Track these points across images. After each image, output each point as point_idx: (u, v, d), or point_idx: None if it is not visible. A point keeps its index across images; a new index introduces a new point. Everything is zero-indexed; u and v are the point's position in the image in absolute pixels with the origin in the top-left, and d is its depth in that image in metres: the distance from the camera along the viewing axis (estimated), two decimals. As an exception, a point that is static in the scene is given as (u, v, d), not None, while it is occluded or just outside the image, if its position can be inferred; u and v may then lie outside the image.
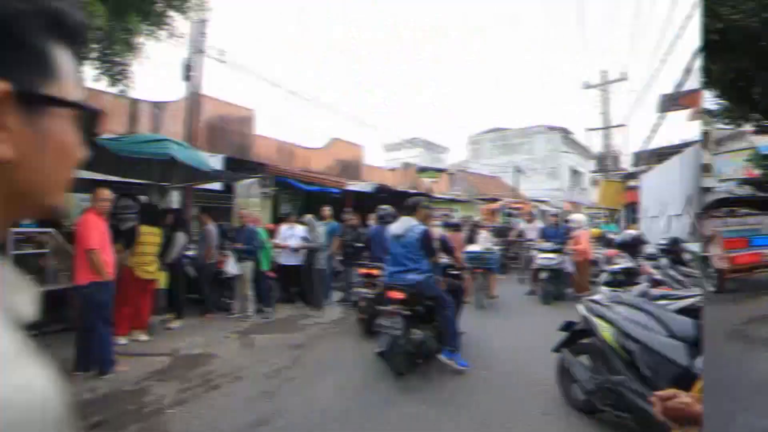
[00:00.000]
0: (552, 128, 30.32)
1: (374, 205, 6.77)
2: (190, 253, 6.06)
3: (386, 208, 5.93)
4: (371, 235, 5.96)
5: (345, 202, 10.53)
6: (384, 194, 11.33)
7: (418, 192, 14.73)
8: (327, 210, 7.26)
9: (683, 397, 1.08)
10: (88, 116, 0.42)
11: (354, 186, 11.79)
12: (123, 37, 5.04)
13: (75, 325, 3.85)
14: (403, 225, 3.99)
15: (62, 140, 0.38)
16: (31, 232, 4.35)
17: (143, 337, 4.59)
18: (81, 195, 7.33)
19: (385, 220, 5.59)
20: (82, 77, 0.43)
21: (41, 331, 4.32)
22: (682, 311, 2.72)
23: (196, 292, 6.00)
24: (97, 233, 3.52)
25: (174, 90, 10.74)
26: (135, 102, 8.04)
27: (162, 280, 5.19)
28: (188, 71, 7.90)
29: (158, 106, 8.61)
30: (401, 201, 4.69)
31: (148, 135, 5.88)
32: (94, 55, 5.07)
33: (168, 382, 3.60)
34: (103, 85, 5.56)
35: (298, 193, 12.73)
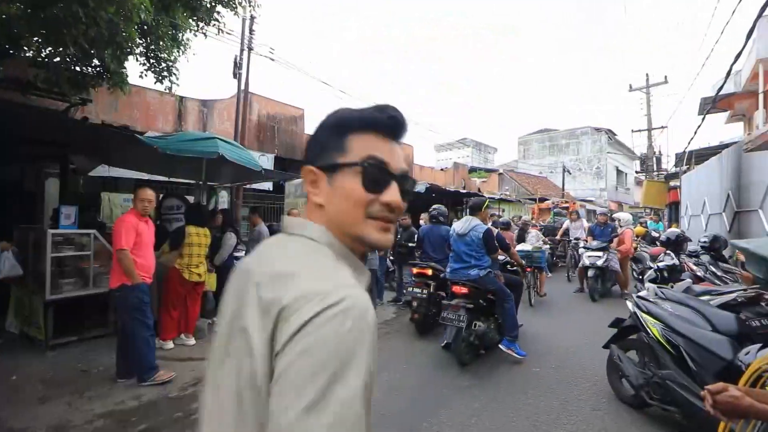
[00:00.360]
0: (598, 129, 31.05)
1: (425, 204, 6.50)
2: (240, 254, 5.92)
3: (438, 207, 5.73)
4: (423, 234, 5.67)
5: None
6: (435, 194, 10.91)
7: (470, 192, 14.28)
8: (379, 209, 6.91)
9: (732, 391, 1.15)
10: (371, 168, 0.63)
11: (404, 184, 11.37)
12: (169, 32, 4.98)
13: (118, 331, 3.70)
14: (466, 224, 4.12)
15: (346, 188, 0.63)
16: (71, 234, 4.26)
17: (190, 341, 4.39)
18: (126, 195, 7.63)
19: (437, 220, 5.54)
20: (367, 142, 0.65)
21: (81, 337, 4.29)
22: (723, 306, 2.81)
23: (246, 293, 5.82)
24: (130, 234, 3.29)
25: (223, 88, 11.03)
26: (183, 100, 8.17)
27: (212, 282, 5.03)
28: (237, 69, 7.90)
29: (206, 104, 8.70)
30: (452, 201, 4.60)
31: (196, 133, 5.84)
32: (139, 50, 5.04)
33: (215, 389, 3.37)
34: (149, 81, 5.58)
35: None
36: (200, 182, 5.35)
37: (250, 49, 8.22)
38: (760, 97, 10.66)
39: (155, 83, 5.68)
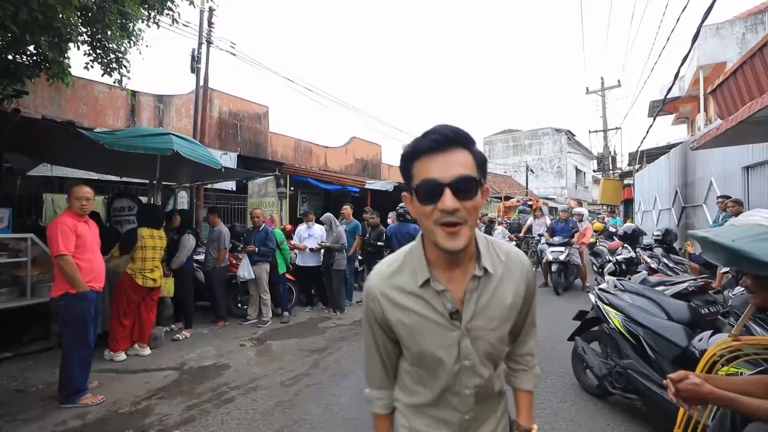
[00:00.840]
0: (558, 130, 32.22)
1: (394, 203, 6.52)
2: (200, 257, 5.63)
3: (405, 204, 5.52)
4: (391, 232, 5.56)
5: (365, 201, 10.12)
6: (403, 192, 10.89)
7: None
8: (348, 208, 6.76)
9: (693, 378, 1.18)
10: (420, 188, 0.83)
11: (374, 184, 11.34)
12: (118, 20, 4.62)
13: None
14: None
15: (416, 206, 0.86)
16: (4, 239, 3.82)
17: (145, 351, 4.10)
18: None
19: (404, 218, 5.44)
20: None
21: (19, 353, 3.94)
22: (676, 296, 2.97)
23: (207, 298, 5.55)
24: (68, 237, 2.99)
25: (183, 85, 10.50)
26: (135, 95, 7.66)
27: (169, 287, 4.73)
28: (195, 63, 7.52)
29: (163, 100, 8.21)
30: None
31: (148, 128, 5.45)
32: (83, 39, 4.63)
33: (173, 400, 3.16)
34: (96, 73, 5.18)
35: (317, 192, 12.36)
36: (154, 182, 5.01)
37: (209, 42, 7.85)
38: (701, 101, 11.48)
39: (102, 75, 5.26)
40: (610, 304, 2.91)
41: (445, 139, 0.82)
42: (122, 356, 3.93)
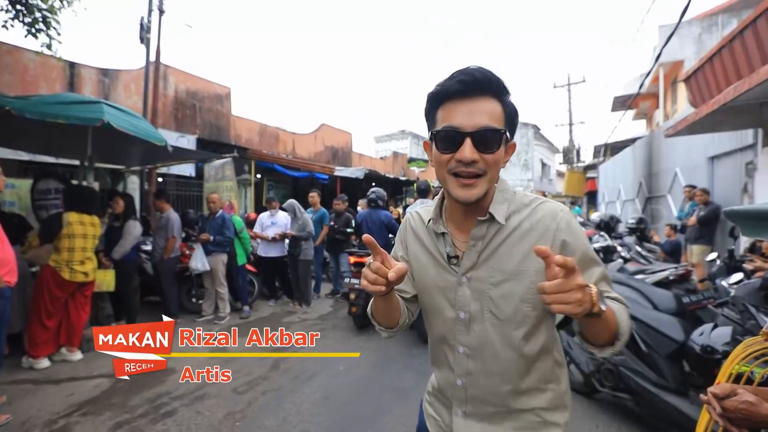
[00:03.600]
0: (525, 124, 33.11)
1: (365, 192, 6.10)
2: (147, 247, 5.03)
3: (376, 190, 5.23)
4: (361, 219, 5.17)
5: (335, 189, 9.70)
6: (374, 181, 10.58)
7: (409, 180, 14.38)
8: (315, 196, 6.26)
9: (746, 395, 0.89)
10: (440, 135, 0.80)
11: (343, 171, 10.90)
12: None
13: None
14: (424, 206, 4.15)
15: (434, 154, 0.82)
16: None
17: (75, 356, 3.52)
18: None
19: (375, 204, 5.10)
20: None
21: None
22: (657, 285, 2.85)
23: (157, 293, 4.98)
24: None
25: (133, 59, 9.54)
26: (75, 66, 6.79)
27: (108, 280, 4.14)
28: (145, 32, 6.74)
29: (109, 74, 7.33)
30: (391, 189, 5.04)
31: (73, 95, 4.73)
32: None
33: (99, 416, 2.67)
34: (18, 35, 4.45)
35: (284, 179, 11.77)
36: (85, 163, 4.35)
37: (161, 11, 7.08)
38: (660, 96, 11.81)
39: (26, 36, 4.54)
40: None
41: (474, 82, 0.76)
42: (44, 363, 3.35)
